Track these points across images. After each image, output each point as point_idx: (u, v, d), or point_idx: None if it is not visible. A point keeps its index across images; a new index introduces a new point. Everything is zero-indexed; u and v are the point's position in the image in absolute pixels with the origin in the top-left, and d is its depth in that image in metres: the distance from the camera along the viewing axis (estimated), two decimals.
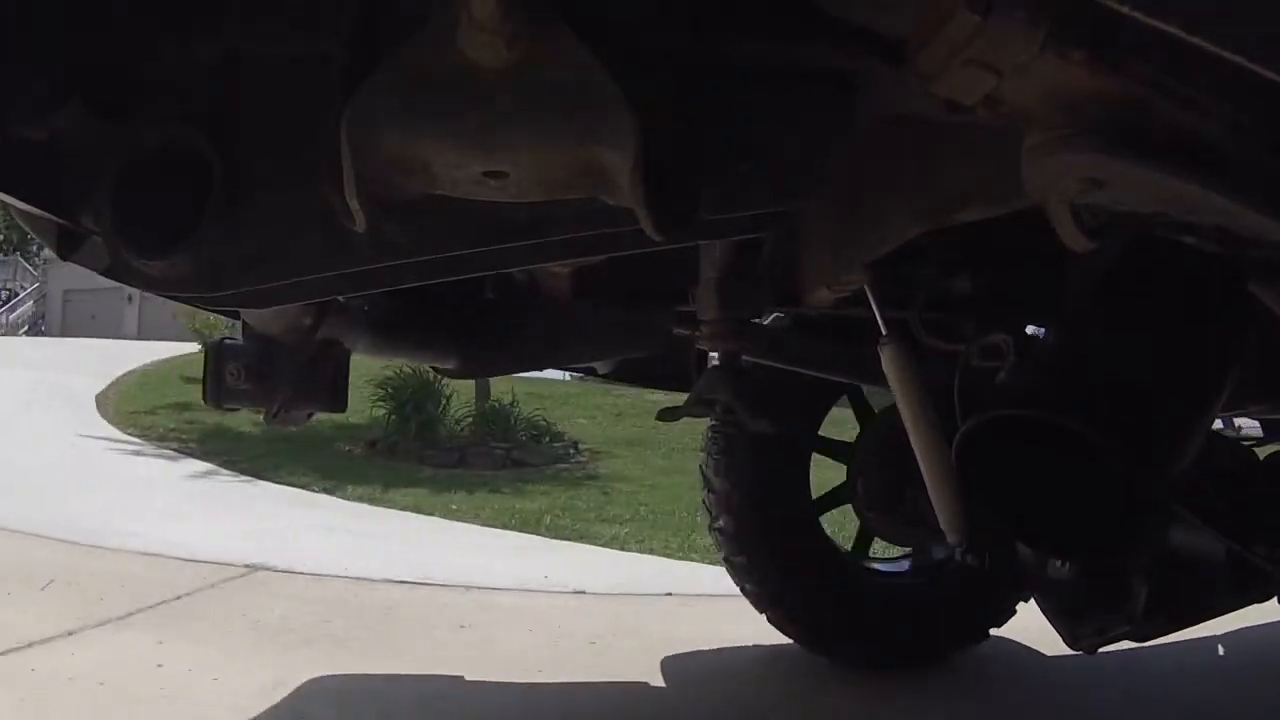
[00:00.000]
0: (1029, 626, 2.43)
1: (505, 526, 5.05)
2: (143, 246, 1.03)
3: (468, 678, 2.43)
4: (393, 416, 8.35)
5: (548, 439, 8.78)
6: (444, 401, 8.57)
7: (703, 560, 4.05)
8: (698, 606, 3.32)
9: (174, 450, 7.47)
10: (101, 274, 1.14)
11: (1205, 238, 0.86)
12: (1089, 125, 0.73)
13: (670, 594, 3.47)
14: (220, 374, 1.52)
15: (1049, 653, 2.59)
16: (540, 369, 2.44)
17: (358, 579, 3.40)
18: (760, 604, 2.57)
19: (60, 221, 1.08)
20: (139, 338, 12.37)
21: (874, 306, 1.53)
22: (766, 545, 2.51)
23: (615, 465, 8.15)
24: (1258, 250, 0.86)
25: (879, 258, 1.21)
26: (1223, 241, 0.85)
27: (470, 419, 8.58)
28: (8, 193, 1.00)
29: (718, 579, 3.35)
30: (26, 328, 28.48)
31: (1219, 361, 1.13)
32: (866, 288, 1.48)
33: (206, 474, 6.49)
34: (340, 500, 5.79)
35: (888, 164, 1.11)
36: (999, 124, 0.82)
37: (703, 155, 1.00)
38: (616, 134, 0.86)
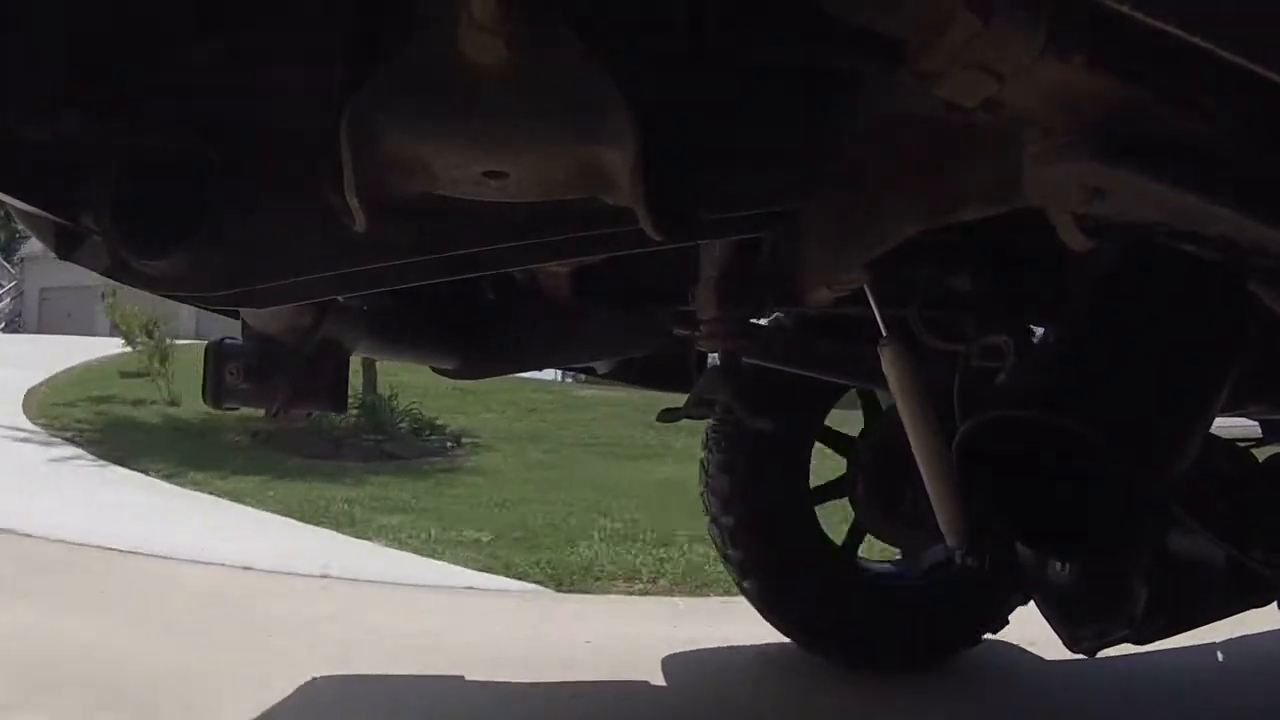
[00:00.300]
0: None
1: (289, 514, 5.14)
2: (142, 246, 1.02)
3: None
4: None
5: (428, 432, 8.92)
6: None
7: (444, 554, 4.21)
8: (334, 589, 3.48)
9: (63, 439, 7.62)
10: (101, 274, 1.14)
11: (1208, 247, 0.86)
12: (1090, 130, 0.73)
13: (327, 575, 3.62)
14: (220, 374, 1.52)
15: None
16: (540, 369, 2.45)
17: (80, 544, 3.78)
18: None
19: (60, 221, 1.08)
20: (111, 334, 12.80)
21: (874, 306, 1.53)
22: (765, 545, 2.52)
23: (490, 459, 8.26)
24: (1261, 259, 0.85)
25: (879, 257, 1.21)
26: (1225, 251, 0.85)
27: (355, 411, 8.68)
28: (8, 193, 1.00)
29: (393, 568, 3.88)
30: (3, 324, 29.17)
31: (1218, 361, 1.13)
32: (866, 287, 1.48)
33: (69, 459, 6.67)
34: (170, 485, 5.94)
35: (888, 163, 1.11)
36: (1000, 126, 0.82)
37: (703, 155, 1.00)
38: (616, 134, 0.86)
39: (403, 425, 8.75)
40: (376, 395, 8.86)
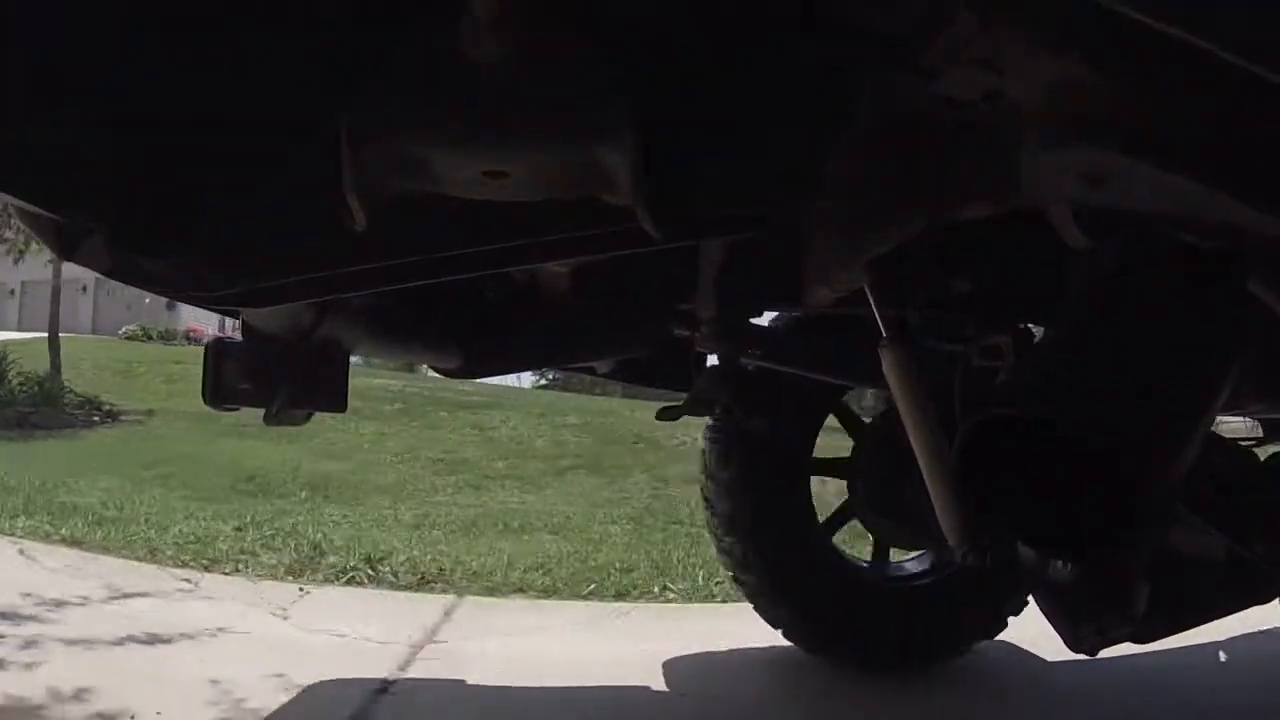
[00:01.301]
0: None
1: None
2: (143, 246, 1.02)
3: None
4: None
5: (88, 407, 10.34)
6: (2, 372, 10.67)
7: None
8: None
9: None
10: (102, 273, 1.14)
11: (1204, 234, 0.86)
12: (1088, 124, 0.73)
13: None
14: (219, 373, 1.51)
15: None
16: (540, 368, 2.45)
17: None
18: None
19: (60, 221, 1.08)
20: (19, 329, 13.73)
21: (873, 306, 1.53)
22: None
23: (114, 433, 9.33)
24: (1256, 247, 0.86)
25: (878, 256, 1.21)
26: (1221, 237, 0.85)
27: (23, 387, 10.31)
28: (9, 192, 1.00)
29: None
30: None
31: (1219, 361, 1.13)
32: (866, 287, 1.48)
33: None
34: None
35: (888, 162, 1.11)
36: (999, 122, 0.82)
37: (703, 155, 1.00)
38: (616, 133, 0.86)
39: (67, 401, 10.28)
40: (53, 372, 10.60)
